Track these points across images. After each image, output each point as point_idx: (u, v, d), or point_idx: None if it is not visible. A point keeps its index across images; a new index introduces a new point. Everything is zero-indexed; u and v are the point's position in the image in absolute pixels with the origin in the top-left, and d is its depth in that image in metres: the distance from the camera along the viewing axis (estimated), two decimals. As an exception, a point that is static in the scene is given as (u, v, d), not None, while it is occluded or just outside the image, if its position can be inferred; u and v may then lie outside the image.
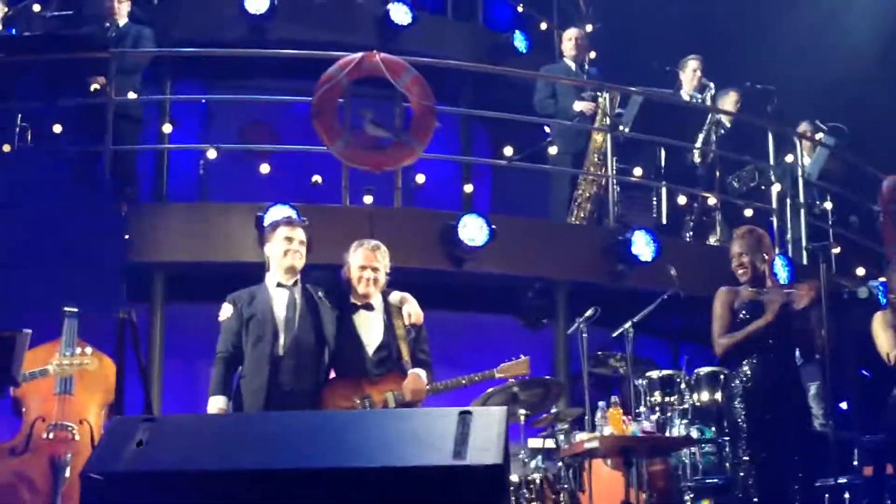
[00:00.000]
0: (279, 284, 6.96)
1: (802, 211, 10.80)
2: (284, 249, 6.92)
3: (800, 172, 10.86)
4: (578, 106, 10.49)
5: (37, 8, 11.31)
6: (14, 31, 10.18)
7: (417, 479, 3.66)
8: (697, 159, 10.81)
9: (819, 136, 11.36)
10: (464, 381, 7.03)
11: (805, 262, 10.56)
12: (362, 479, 3.67)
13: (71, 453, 7.27)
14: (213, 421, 4.34)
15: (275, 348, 6.79)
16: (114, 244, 7.43)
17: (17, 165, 8.22)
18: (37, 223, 7.24)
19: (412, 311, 6.96)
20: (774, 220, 10.59)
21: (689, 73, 10.96)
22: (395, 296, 7.06)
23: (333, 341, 6.92)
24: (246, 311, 6.89)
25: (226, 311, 6.97)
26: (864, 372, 9.43)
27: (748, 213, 10.52)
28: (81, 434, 7.37)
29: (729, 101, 11.28)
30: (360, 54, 9.01)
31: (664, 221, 10.61)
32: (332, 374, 7.03)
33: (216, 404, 6.82)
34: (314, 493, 3.66)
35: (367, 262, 6.98)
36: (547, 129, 10.87)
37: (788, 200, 10.79)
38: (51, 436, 7.41)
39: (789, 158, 10.94)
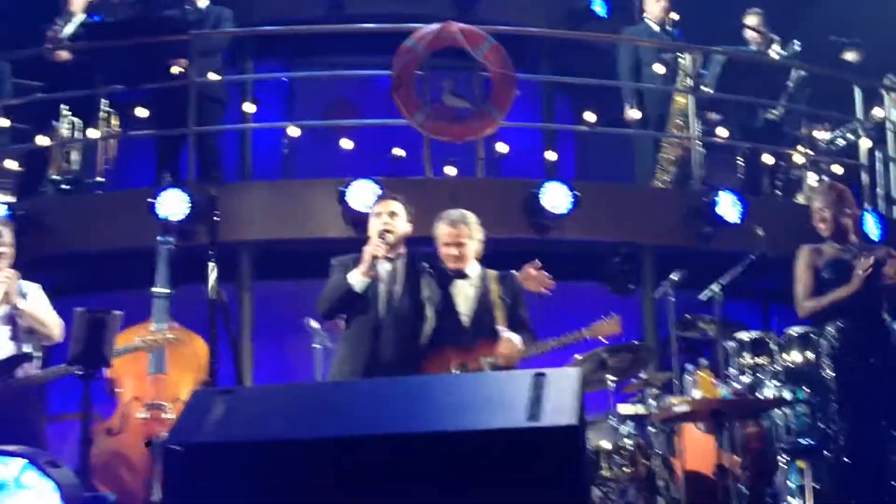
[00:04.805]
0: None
1: (893, 165, 10.59)
2: (375, 226, 6.90)
3: (889, 126, 10.64)
4: (658, 69, 10.36)
5: (119, -6, 11.50)
6: (98, 18, 10.31)
7: (492, 442, 3.63)
8: (776, 116, 10.67)
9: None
10: (553, 344, 6.95)
11: (897, 217, 10.40)
12: (436, 444, 3.66)
13: (166, 432, 7.38)
14: (288, 391, 4.36)
15: (376, 320, 6.76)
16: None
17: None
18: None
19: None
20: (864, 175, 10.39)
21: (750, 31, 10.76)
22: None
23: (435, 314, 6.91)
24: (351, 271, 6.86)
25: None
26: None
27: (838, 169, 10.37)
28: (176, 413, 7.46)
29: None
30: (437, 25, 9.00)
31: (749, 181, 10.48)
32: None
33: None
34: (390, 459, 3.67)
35: (450, 238, 6.93)
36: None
37: (878, 155, 10.58)
38: (146, 415, 7.54)
39: (878, 112, 10.72)
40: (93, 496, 5.52)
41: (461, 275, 6.96)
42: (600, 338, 7.14)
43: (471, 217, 7.01)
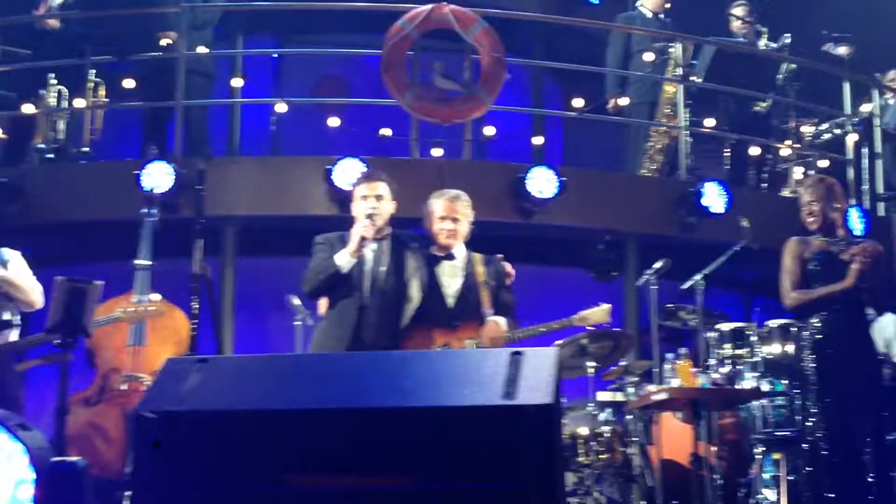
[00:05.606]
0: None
1: (879, 161, 10.60)
2: (362, 208, 6.88)
3: (876, 122, 10.65)
4: (648, 57, 10.33)
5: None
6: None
7: (467, 418, 3.66)
8: (764, 108, 10.69)
9: (896, 84, 11.13)
10: (542, 329, 6.98)
11: (882, 213, 10.40)
12: (412, 419, 3.68)
13: (144, 404, 7.35)
14: (264, 362, 4.36)
15: (360, 301, 6.74)
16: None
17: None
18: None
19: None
20: (850, 170, 10.41)
21: (736, 22, 10.78)
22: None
23: (420, 294, 6.87)
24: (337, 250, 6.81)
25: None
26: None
27: (824, 163, 10.38)
28: (154, 385, 7.44)
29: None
30: (429, 6, 8.96)
31: (735, 172, 10.50)
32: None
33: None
34: (364, 433, 3.67)
35: (446, 212, 6.94)
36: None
37: (865, 150, 10.59)
38: (124, 386, 7.53)
39: (866, 108, 10.73)
40: (62, 460, 5.48)
41: (447, 256, 6.96)
42: (588, 326, 7.16)
43: (466, 197, 7.04)
